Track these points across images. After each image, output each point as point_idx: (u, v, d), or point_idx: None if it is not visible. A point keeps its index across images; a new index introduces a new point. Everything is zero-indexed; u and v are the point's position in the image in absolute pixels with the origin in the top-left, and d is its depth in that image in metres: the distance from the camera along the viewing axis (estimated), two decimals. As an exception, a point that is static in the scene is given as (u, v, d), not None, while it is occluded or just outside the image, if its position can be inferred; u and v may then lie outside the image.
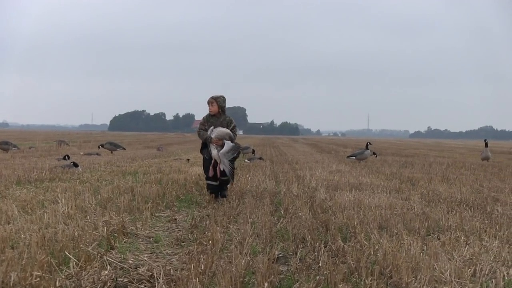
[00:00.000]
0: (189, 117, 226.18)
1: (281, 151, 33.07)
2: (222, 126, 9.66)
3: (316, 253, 5.70)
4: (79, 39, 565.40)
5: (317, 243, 6.05)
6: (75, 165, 14.52)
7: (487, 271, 5.12)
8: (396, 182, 13.06)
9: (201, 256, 5.33)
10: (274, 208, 8.73)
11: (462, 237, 6.56)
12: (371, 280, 4.64)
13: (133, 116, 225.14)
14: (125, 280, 4.80)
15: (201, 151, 10.16)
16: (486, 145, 24.06)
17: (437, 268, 5.06)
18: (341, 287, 4.62)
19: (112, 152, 25.26)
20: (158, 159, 20.89)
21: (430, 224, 7.31)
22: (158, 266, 5.10)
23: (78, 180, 11.91)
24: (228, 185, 10.07)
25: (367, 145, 21.41)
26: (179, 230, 7.07)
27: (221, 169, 9.49)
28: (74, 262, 5.02)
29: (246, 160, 20.12)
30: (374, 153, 24.02)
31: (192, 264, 4.97)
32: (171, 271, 4.92)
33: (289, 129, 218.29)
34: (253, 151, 23.09)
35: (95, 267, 4.97)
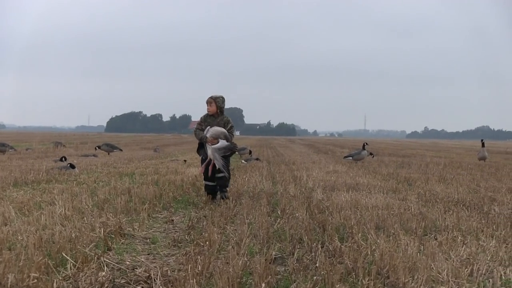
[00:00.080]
0: (185, 118, 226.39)
1: (278, 152, 33.08)
2: (219, 126, 9.63)
3: (313, 254, 5.70)
4: (75, 40, 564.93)
5: (314, 244, 6.06)
6: (72, 166, 14.52)
7: (484, 271, 5.12)
8: (393, 182, 13.07)
9: (198, 257, 5.32)
10: (271, 209, 8.73)
11: (459, 237, 6.56)
12: (368, 280, 4.64)
13: (129, 117, 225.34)
14: (123, 281, 4.79)
15: (198, 151, 10.14)
16: (483, 145, 24.09)
17: (434, 268, 5.07)
18: None
19: (109, 154, 25.24)
20: (155, 160, 20.89)
21: (427, 224, 7.32)
22: (155, 267, 5.10)
23: (75, 182, 11.90)
24: (227, 185, 9.98)
25: (364, 146, 21.43)
26: (176, 231, 7.06)
27: (215, 166, 9.46)
28: (71, 264, 5.02)
29: (243, 161, 20.13)
30: (371, 154, 24.03)
31: (189, 265, 4.97)
32: (168, 272, 4.92)
33: (286, 130, 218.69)
34: (250, 152, 23.10)
35: (93, 269, 4.96)
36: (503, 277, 4.96)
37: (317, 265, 5.24)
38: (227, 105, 10.03)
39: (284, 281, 4.92)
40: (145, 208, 8.18)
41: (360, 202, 9.32)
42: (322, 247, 5.95)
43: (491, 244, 6.23)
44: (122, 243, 6.23)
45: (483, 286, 4.74)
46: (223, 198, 9.64)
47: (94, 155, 22.87)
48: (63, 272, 4.89)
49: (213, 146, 9.36)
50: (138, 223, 7.25)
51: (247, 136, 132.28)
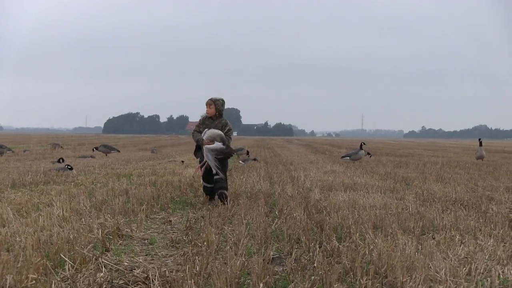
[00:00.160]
0: (183, 119, 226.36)
1: (275, 152, 33.09)
2: (217, 129, 9.58)
3: (311, 254, 5.71)
4: (72, 41, 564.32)
5: (312, 244, 6.07)
6: (70, 167, 14.50)
7: (482, 270, 5.13)
8: (390, 182, 13.08)
9: (196, 257, 5.33)
10: (269, 209, 8.73)
11: (457, 236, 6.57)
12: (366, 280, 4.65)
13: (127, 119, 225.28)
14: (121, 282, 4.79)
15: (195, 153, 10.12)
16: (481, 144, 24.10)
17: (432, 267, 5.07)
18: (336, 287, 4.63)
19: (106, 155, 25.24)
20: (153, 161, 20.89)
21: (425, 223, 7.33)
22: (153, 267, 5.10)
23: (72, 183, 11.89)
24: (226, 187, 9.56)
25: (361, 145, 21.44)
26: (174, 232, 7.06)
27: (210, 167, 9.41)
28: (70, 265, 5.01)
29: (240, 162, 20.13)
30: (368, 153, 24.05)
31: (187, 266, 4.97)
32: (166, 272, 4.92)
33: (283, 130, 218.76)
34: (248, 153, 23.11)
35: (91, 270, 4.96)
36: (501, 276, 4.96)
37: (315, 265, 5.24)
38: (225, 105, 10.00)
39: (282, 281, 4.92)
40: (143, 209, 8.18)
41: (358, 202, 9.33)
42: (320, 247, 5.95)
43: (489, 243, 6.23)
44: (120, 244, 6.23)
45: (481, 285, 4.74)
46: (220, 199, 9.33)
47: (91, 156, 22.87)
48: (61, 273, 4.88)
49: (206, 146, 9.33)
50: (136, 224, 7.25)
51: (244, 136, 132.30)
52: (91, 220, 7.19)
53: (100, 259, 5.32)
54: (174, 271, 5.04)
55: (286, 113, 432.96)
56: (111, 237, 6.32)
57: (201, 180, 10.05)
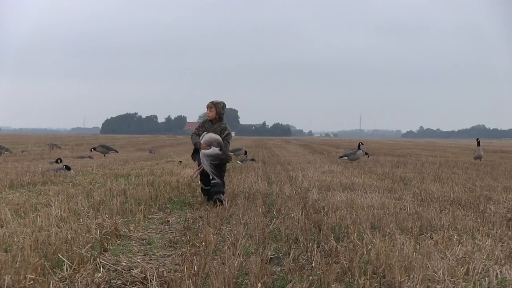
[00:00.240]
0: (181, 119, 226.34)
1: (273, 152, 33.09)
2: (215, 133, 9.52)
3: (309, 254, 5.71)
4: (69, 42, 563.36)
5: (310, 244, 6.07)
6: (68, 168, 14.50)
7: (480, 270, 5.14)
8: (388, 182, 13.09)
9: (194, 257, 5.33)
10: (267, 209, 8.73)
11: (455, 236, 6.58)
12: (364, 280, 4.65)
13: (125, 119, 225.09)
14: (119, 282, 4.79)
15: (193, 156, 10.09)
16: (479, 144, 24.14)
17: (430, 267, 5.08)
18: (334, 287, 4.63)
19: (104, 155, 25.22)
20: (151, 162, 20.88)
21: (422, 223, 7.33)
22: (151, 268, 5.10)
23: (70, 183, 11.88)
24: (222, 191, 9.51)
25: (359, 145, 21.45)
26: (172, 232, 7.07)
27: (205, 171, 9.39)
28: (68, 265, 5.01)
29: (238, 162, 20.13)
30: (366, 153, 24.07)
31: (185, 266, 4.98)
32: (164, 272, 4.92)
33: (281, 130, 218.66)
34: (245, 153, 23.12)
35: (89, 270, 4.96)
36: (499, 276, 4.97)
37: (313, 265, 5.25)
38: (222, 106, 9.97)
39: (280, 281, 4.92)
40: (141, 209, 8.18)
41: (356, 201, 9.33)
42: (318, 247, 5.95)
43: (487, 243, 6.24)
44: (118, 244, 6.23)
45: (479, 285, 4.75)
46: (215, 202, 9.23)
47: (89, 157, 22.84)
48: (59, 274, 4.89)
49: (202, 151, 9.30)
50: (134, 224, 7.25)
51: (242, 136, 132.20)
52: (89, 221, 7.19)
53: (98, 259, 5.32)
54: (172, 271, 5.04)
55: (284, 113, 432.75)
56: (109, 237, 6.32)
57: (199, 181, 10.06)
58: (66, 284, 4.66)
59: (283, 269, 5.25)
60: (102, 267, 5.13)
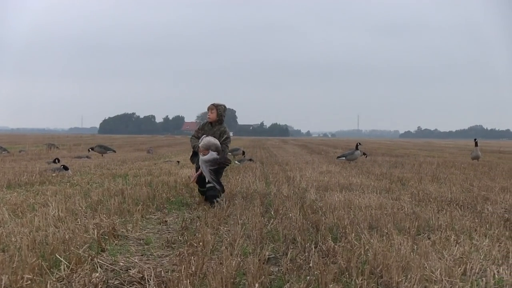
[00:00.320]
0: (179, 119, 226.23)
1: (271, 153, 33.09)
2: (215, 136, 9.47)
3: (306, 254, 5.71)
4: (67, 42, 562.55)
5: (308, 244, 6.07)
6: (65, 168, 14.49)
7: (477, 270, 5.15)
8: (386, 182, 13.10)
9: (192, 257, 5.33)
10: (265, 209, 8.73)
11: (453, 236, 6.58)
12: (361, 280, 4.65)
13: (123, 119, 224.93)
14: (116, 282, 4.80)
15: (191, 158, 10.08)
16: (476, 144, 24.14)
17: (427, 267, 5.08)
18: (331, 287, 4.64)
19: (102, 155, 25.19)
20: (148, 162, 20.88)
21: (420, 223, 7.34)
22: (149, 268, 5.10)
23: (68, 183, 11.88)
24: (217, 195, 9.35)
25: (357, 146, 21.46)
26: (169, 232, 7.07)
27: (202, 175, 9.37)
28: (65, 265, 5.01)
29: (236, 162, 20.13)
30: (364, 154, 24.06)
31: (183, 266, 4.98)
32: (162, 273, 4.93)
33: (279, 131, 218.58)
34: (243, 153, 23.12)
35: (86, 270, 4.96)
36: (496, 276, 4.98)
37: (311, 265, 5.25)
38: (221, 106, 9.96)
39: (278, 281, 4.93)
40: (139, 209, 8.18)
41: (354, 202, 9.34)
42: (315, 247, 5.96)
43: (484, 243, 6.25)
44: (115, 244, 6.23)
45: (477, 285, 4.75)
46: (212, 202, 9.20)
47: (87, 157, 22.83)
48: (56, 274, 4.89)
49: (201, 158, 9.27)
50: (132, 224, 7.25)
51: (240, 137, 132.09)
52: (86, 221, 7.18)
53: (95, 259, 5.32)
54: (169, 271, 5.04)
55: (282, 114, 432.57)
56: (106, 237, 6.32)
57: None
58: (64, 284, 4.66)
59: (281, 269, 5.25)
60: (100, 267, 5.13)
